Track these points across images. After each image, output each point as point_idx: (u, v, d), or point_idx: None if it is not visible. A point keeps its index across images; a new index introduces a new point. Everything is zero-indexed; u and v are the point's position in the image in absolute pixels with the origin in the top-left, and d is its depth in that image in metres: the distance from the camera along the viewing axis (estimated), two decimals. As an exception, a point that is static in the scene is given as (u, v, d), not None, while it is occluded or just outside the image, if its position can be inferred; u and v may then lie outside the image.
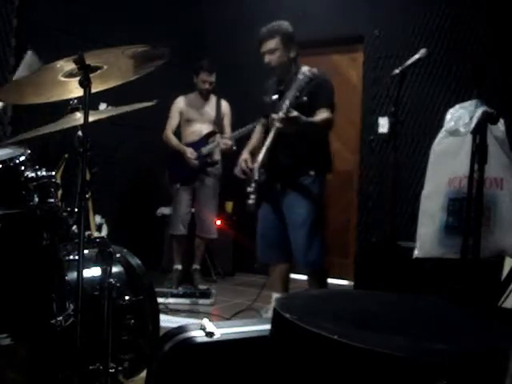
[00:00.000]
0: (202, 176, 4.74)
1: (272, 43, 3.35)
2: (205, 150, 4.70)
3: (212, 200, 4.82)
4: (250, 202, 3.25)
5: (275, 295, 3.39)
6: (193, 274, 4.81)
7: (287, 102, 3.08)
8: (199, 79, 4.73)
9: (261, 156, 3.27)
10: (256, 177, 3.25)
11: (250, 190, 3.26)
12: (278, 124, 3.08)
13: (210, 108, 4.83)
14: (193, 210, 4.85)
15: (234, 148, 4.67)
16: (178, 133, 4.84)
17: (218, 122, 4.82)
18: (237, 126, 4.78)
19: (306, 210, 3.27)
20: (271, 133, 3.20)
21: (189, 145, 4.74)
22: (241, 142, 4.70)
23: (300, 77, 3.14)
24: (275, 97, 3.37)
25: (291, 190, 3.31)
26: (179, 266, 4.77)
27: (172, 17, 5.40)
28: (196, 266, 4.85)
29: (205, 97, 4.81)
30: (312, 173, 3.30)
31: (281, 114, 3.05)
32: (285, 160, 3.28)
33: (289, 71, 3.37)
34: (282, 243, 3.39)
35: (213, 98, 4.85)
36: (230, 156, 4.88)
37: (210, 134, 4.77)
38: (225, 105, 4.88)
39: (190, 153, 4.64)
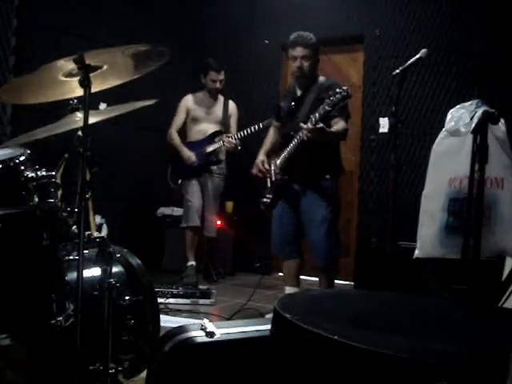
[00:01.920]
0: (206, 174, 4.76)
1: (306, 51, 3.51)
2: (209, 148, 4.71)
3: (215, 199, 4.83)
4: (265, 200, 3.56)
5: (288, 289, 3.61)
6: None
7: (317, 115, 3.23)
8: (208, 79, 4.73)
9: (280, 158, 3.51)
10: (273, 177, 3.52)
11: (265, 189, 3.54)
12: (306, 133, 3.25)
13: (217, 108, 4.83)
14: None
15: (239, 148, 4.66)
16: (182, 132, 4.84)
17: (224, 122, 4.82)
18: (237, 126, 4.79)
19: (325, 210, 3.47)
20: (295, 139, 3.39)
21: (194, 144, 4.74)
22: (247, 142, 4.71)
23: (332, 92, 3.24)
24: (292, 104, 3.58)
25: (311, 191, 3.50)
26: (193, 263, 4.77)
27: (172, 17, 5.39)
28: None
29: (214, 96, 4.81)
30: (328, 176, 3.51)
31: (310, 125, 3.22)
32: (304, 163, 3.47)
33: (309, 80, 3.56)
34: (295, 240, 3.63)
35: (221, 98, 4.86)
36: (236, 156, 4.89)
37: (216, 134, 4.78)
38: (232, 105, 4.89)
39: (191, 158, 4.68)
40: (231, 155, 4.89)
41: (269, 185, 3.56)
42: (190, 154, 4.68)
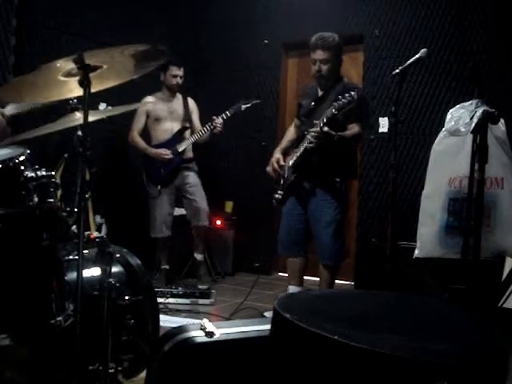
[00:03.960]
0: (181, 172, 4.69)
1: (326, 54, 3.55)
2: (180, 147, 4.64)
3: (200, 190, 4.74)
4: (277, 196, 3.60)
5: (292, 288, 3.67)
6: (198, 266, 4.77)
7: (324, 119, 3.29)
8: (168, 75, 4.64)
9: (294, 158, 3.56)
10: (286, 175, 3.57)
11: (278, 186, 3.61)
12: (312, 138, 3.33)
13: (178, 106, 4.77)
14: (176, 209, 4.84)
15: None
16: (145, 135, 4.77)
17: (186, 118, 4.76)
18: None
19: (334, 211, 3.52)
20: (304, 143, 3.44)
21: (161, 144, 4.67)
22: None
23: (340, 97, 3.29)
24: (312, 104, 3.63)
25: (320, 191, 3.54)
26: (167, 266, 4.76)
27: (172, 17, 5.39)
28: (199, 257, 4.81)
29: (173, 94, 4.74)
30: (338, 179, 3.54)
31: (317, 129, 3.29)
32: (315, 163, 3.50)
33: (331, 82, 3.60)
34: (303, 238, 3.66)
35: (179, 96, 4.79)
36: (205, 155, 4.86)
37: (182, 131, 4.73)
38: (191, 102, 4.84)
39: (164, 152, 4.59)
40: (202, 154, 4.86)
41: (281, 182, 3.61)
42: (159, 151, 4.60)
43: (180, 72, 4.66)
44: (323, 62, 3.54)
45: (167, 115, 4.72)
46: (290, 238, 3.68)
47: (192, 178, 4.73)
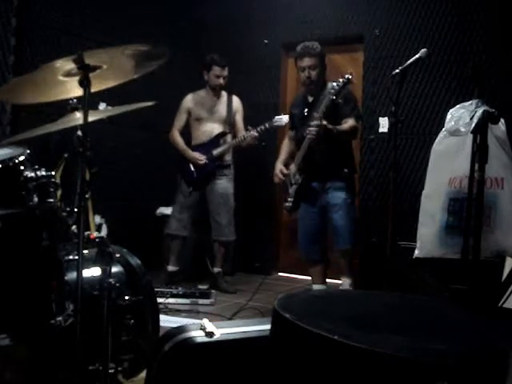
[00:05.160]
0: (213, 179, 4.64)
1: (313, 60, 3.75)
2: (216, 152, 4.60)
3: (226, 202, 4.69)
4: (287, 204, 3.82)
5: (316, 286, 3.94)
6: (216, 278, 4.70)
7: (323, 107, 3.48)
8: (211, 74, 4.58)
9: (296, 160, 3.77)
10: (293, 181, 3.76)
11: (287, 194, 3.81)
12: (313, 131, 3.49)
13: (221, 106, 4.69)
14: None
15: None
16: (185, 133, 4.78)
17: (229, 120, 4.68)
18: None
19: (344, 195, 3.72)
20: (305, 142, 3.62)
21: (199, 146, 4.65)
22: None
23: (334, 84, 3.51)
24: (306, 110, 3.82)
25: (330, 185, 3.74)
26: (174, 268, 4.71)
27: (172, 17, 5.39)
28: (218, 270, 4.74)
29: (216, 94, 4.66)
30: (346, 170, 3.75)
31: (313, 127, 3.47)
32: (321, 160, 3.70)
33: (319, 87, 3.78)
34: (319, 239, 3.89)
35: (224, 95, 4.71)
36: (241, 158, 4.87)
37: (221, 135, 4.66)
38: (236, 101, 4.74)
39: (199, 157, 4.58)
40: (238, 156, 4.83)
41: (289, 190, 3.77)
42: (198, 155, 4.58)
43: (224, 72, 4.60)
44: (312, 67, 3.74)
45: (208, 116, 4.67)
46: (308, 241, 3.88)
47: (222, 185, 4.67)
